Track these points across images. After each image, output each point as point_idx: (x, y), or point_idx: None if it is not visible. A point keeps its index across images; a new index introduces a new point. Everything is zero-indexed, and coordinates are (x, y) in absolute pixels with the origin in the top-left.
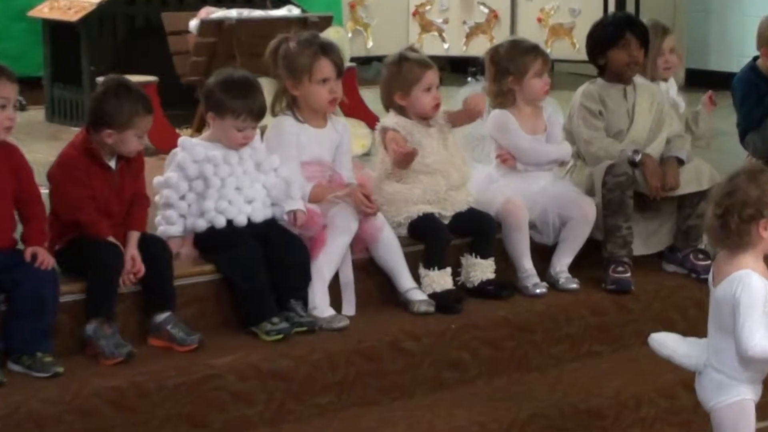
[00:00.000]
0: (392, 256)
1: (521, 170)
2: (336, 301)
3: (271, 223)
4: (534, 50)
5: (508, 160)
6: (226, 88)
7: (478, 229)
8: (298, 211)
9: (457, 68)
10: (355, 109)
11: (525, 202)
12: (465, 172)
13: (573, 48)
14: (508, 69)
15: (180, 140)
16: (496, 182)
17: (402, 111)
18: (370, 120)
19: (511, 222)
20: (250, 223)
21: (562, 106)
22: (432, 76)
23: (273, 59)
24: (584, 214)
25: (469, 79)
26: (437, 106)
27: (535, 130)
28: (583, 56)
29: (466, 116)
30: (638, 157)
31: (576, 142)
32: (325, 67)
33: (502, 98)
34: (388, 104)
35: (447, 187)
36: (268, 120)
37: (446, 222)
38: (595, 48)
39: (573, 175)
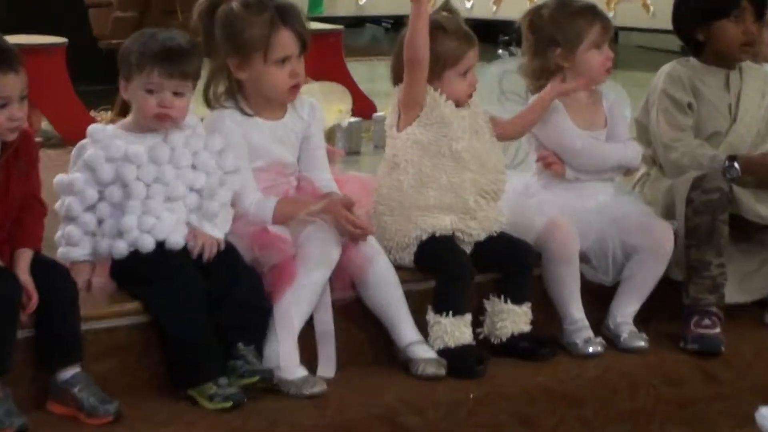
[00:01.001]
0: (388, 296)
1: (571, 179)
2: (309, 359)
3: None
4: (590, 12)
5: (553, 164)
6: (143, 44)
7: (511, 262)
8: (198, 234)
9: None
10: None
11: (576, 224)
12: (500, 178)
13: (646, 12)
14: (554, 38)
15: (90, 129)
16: (536, 196)
17: None
18: (363, 104)
19: (557, 252)
20: (188, 246)
21: (630, 92)
22: (473, 56)
23: (205, 26)
24: (657, 243)
25: (500, 51)
26: (471, 92)
27: (592, 125)
28: (661, 24)
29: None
30: (735, 169)
31: (652, 143)
32: (285, 42)
33: (546, 80)
34: (401, 80)
35: (477, 192)
36: (198, 112)
37: (469, 248)
38: (692, 18)
39: (644, 189)
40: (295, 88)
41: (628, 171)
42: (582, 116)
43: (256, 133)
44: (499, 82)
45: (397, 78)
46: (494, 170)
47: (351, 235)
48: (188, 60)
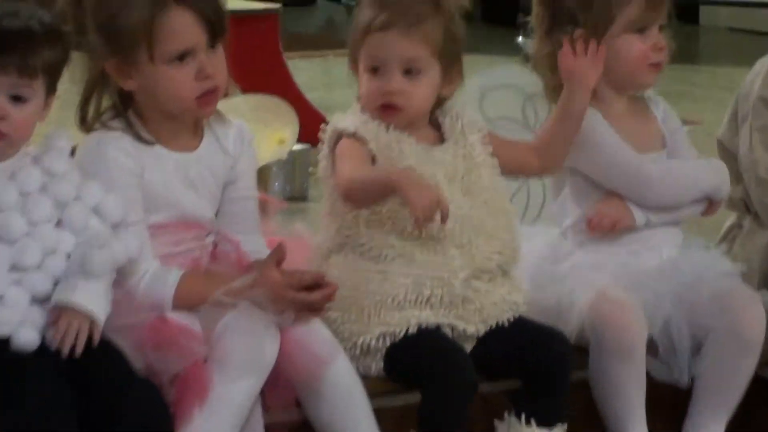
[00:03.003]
0: (350, 415)
1: (641, 226)
2: None
3: (87, 342)
4: None
5: (618, 222)
6: None
7: (536, 363)
8: (64, 313)
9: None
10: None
11: (637, 297)
12: (508, 244)
13: None
14: (573, 14)
15: None
16: (569, 259)
17: None
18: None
19: (614, 343)
20: (47, 339)
21: (718, 96)
22: (383, 37)
23: (74, 12)
24: (740, 324)
25: (521, 39)
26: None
27: (644, 144)
28: None
29: None
30: None
31: (743, 175)
32: (179, 27)
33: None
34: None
35: (468, 273)
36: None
37: (468, 345)
38: None
39: (734, 247)
40: (208, 98)
41: (710, 207)
42: (628, 133)
43: (156, 171)
44: (480, 102)
45: (352, 66)
46: (497, 236)
47: (301, 314)
48: (36, 48)
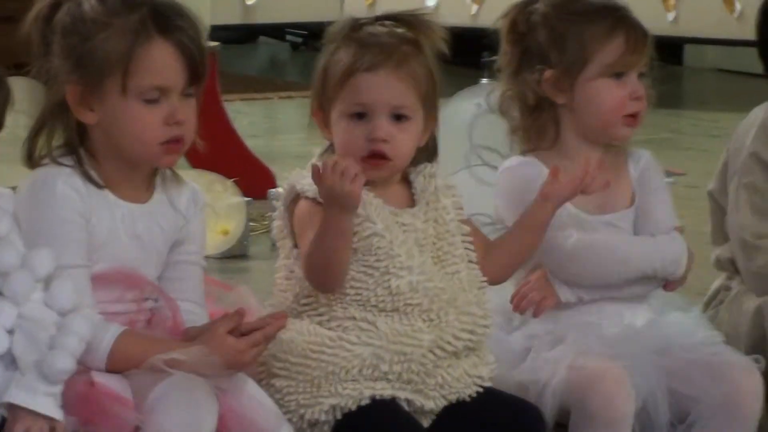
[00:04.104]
0: None
1: (570, 303)
2: None
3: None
4: (610, 15)
5: (541, 302)
6: None
7: None
8: (27, 414)
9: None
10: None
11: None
12: (480, 321)
13: (729, 12)
14: (545, 53)
15: None
16: (522, 327)
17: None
18: (254, 174)
19: (603, 412)
20: None
21: (707, 145)
22: (373, 78)
23: (42, 35)
24: (735, 396)
25: (485, 79)
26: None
27: (607, 203)
28: (754, 33)
29: None
30: None
31: (730, 237)
32: (161, 62)
33: (536, 125)
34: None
35: (434, 345)
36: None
37: (426, 420)
38: None
39: (720, 312)
40: (173, 147)
41: (668, 284)
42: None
43: (104, 217)
44: (469, 129)
45: (317, 112)
46: (469, 312)
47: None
48: None
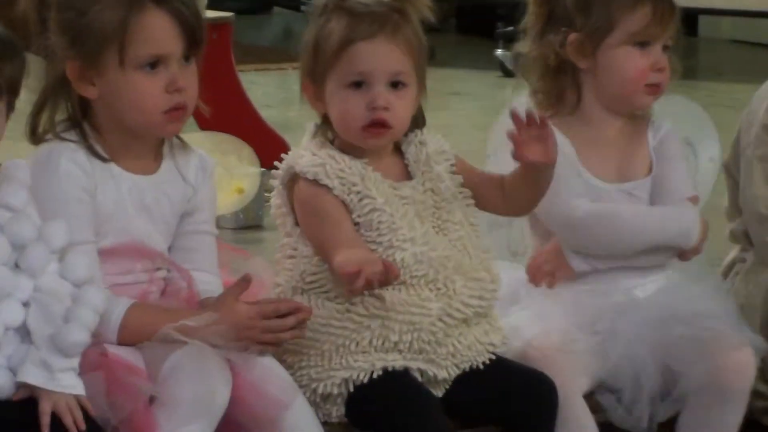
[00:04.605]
0: None
1: (583, 273)
2: None
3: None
4: None
5: (540, 275)
6: None
7: (519, 409)
8: (42, 394)
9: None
10: (232, 119)
11: (590, 339)
12: (488, 286)
13: None
14: (572, 19)
15: None
16: (521, 303)
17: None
18: (268, 144)
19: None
20: None
21: (722, 119)
22: (372, 47)
23: (38, 13)
24: (722, 372)
25: (499, 51)
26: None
27: (626, 172)
28: None
29: None
30: None
31: (743, 209)
32: (156, 31)
33: (557, 89)
34: (316, 106)
35: (443, 313)
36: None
37: (439, 390)
38: None
39: (736, 283)
40: (176, 114)
41: (683, 253)
42: (608, 157)
43: (110, 190)
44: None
45: (307, 86)
46: (476, 277)
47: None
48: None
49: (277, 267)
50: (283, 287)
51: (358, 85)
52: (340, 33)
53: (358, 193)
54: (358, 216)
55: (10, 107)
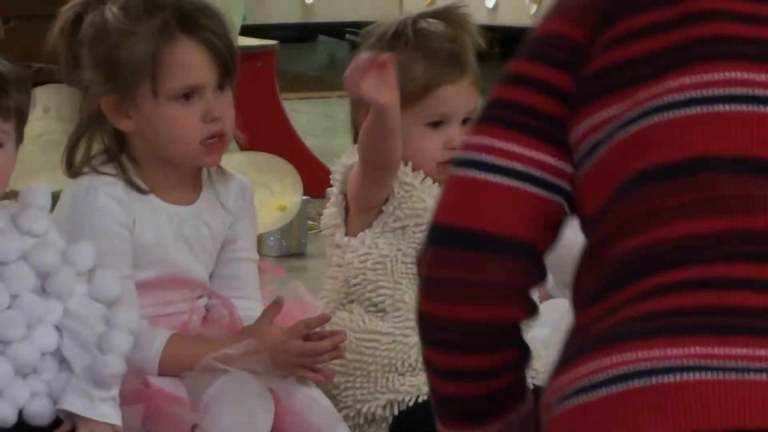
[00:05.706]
0: None
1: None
2: None
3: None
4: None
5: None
6: None
7: None
8: (86, 420)
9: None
10: (275, 147)
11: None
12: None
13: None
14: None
15: None
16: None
17: None
18: (312, 172)
19: None
20: (23, 426)
21: None
22: (454, 94)
23: (69, 45)
24: None
25: None
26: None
27: None
28: None
29: None
30: None
31: None
32: (188, 61)
33: None
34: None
35: None
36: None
37: None
38: None
39: None
40: (214, 145)
41: None
42: None
43: (149, 223)
44: None
45: (357, 135)
46: None
47: (304, 374)
48: (7, 87)
49: (325, 281)
50: (328, 298)
51: (437, 124)
52: (424, 75)
53: (407, 189)
54: (408, 212)
55: (19, 138)
